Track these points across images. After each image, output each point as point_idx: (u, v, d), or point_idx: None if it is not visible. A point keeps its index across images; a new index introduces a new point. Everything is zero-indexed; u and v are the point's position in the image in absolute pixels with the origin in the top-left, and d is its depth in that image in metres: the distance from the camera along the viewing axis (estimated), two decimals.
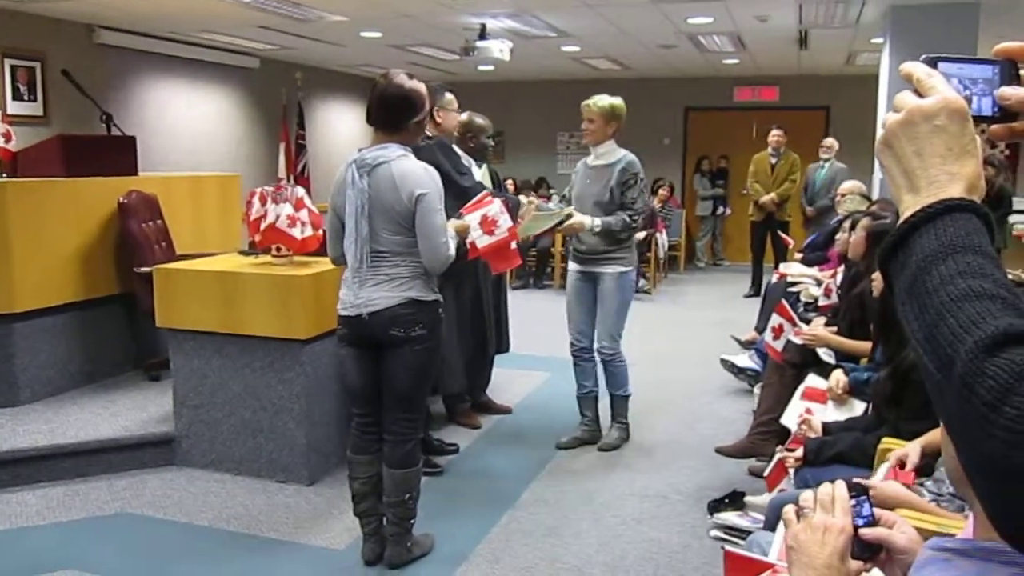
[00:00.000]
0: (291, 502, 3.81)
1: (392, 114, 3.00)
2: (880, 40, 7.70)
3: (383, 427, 3.15)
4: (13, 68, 7.07)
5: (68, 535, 3.50)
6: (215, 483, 4.00)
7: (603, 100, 4.31)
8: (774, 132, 9.04)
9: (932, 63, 0.86)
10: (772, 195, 8.84)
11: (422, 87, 3.05)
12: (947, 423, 0.72)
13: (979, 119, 0.87)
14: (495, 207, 3.53)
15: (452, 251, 3.04)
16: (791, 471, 3.18)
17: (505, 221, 3.53)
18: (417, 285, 3.01)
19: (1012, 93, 0.86)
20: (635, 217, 4.28)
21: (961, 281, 0.72)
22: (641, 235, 9.82)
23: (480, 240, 3.51)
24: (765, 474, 3.17)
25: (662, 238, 10.31)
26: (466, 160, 4.63)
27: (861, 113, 9.26)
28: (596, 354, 4.46)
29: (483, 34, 7.60)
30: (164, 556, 3.34)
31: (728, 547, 1.79)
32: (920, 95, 0.84)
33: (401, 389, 3.06)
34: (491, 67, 10.72)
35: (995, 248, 0.78)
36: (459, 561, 3.28)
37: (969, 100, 0.86)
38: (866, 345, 3.52)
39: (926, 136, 0.81)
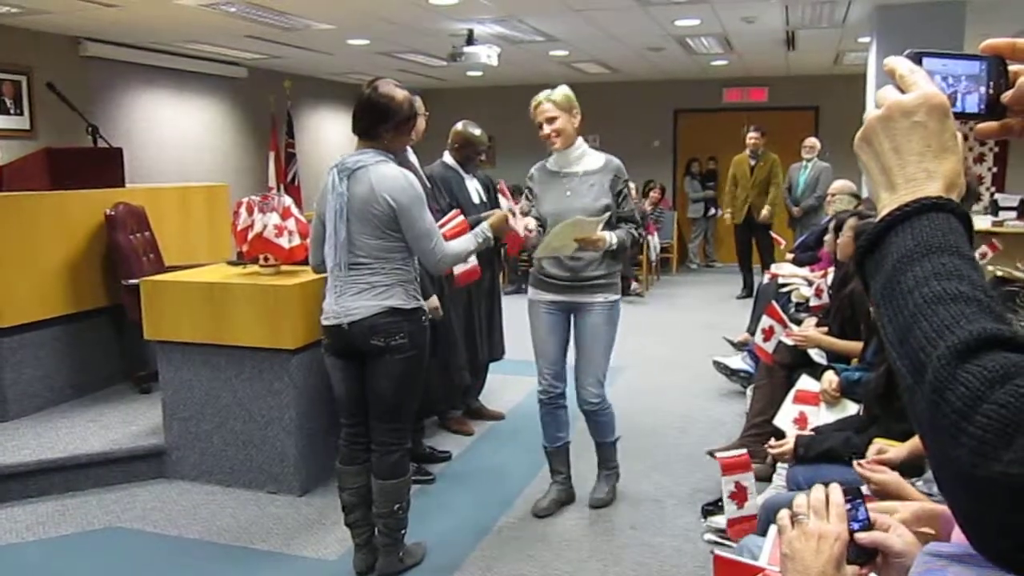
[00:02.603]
0: (282, 513, 3.78)
1: (365, 121, 3.01)
2: (867, 39, 7.72)
3: (371, 438, 3.14)
4: None
5: (58, 551, 3.46)
6: (206, 495, 3.97)
7: (558, 92, 3.59)
8: (751, 134, 8.95)
9: (916, 58, 0.84)
10: (767, 209, 8.83)
11: (396, 93, 3.01)
12: (919, 430, 0.70)
13: (964, 116, 0.85)
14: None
15: (456, 249, 3.07)
16: (782, 469, 3.18)
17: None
18: (397, 293, 2.99)
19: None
20: (640, 231, 3.71)
21: (936, 283, 0.70)
22: (729, 211, 9.84)
23: (456, 268, 3.71)
24: (725, 497, 3.08)
25: (654, 240, 10.31)
26: (458, 171, 4.61)
27: (850, 113, 9.24)
28: (583, 408, 3.71)
29: (470, 40, 7.59)
30: (154, 570, 3.31)
31: (718, 551, 1.78)
32: (902, 91, 0.82)
33: (385, 399, 3.03)
34: (480, 72, 10.73)
35: None
36: (451, 570, 3.26)
37: (954, 97, 0.84)
38: (857, 345, 3.52)
39: (905, 132, 0.79)
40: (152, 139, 8.83)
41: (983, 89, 0.85)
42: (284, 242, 3.98)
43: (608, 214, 3.47)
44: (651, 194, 11.14)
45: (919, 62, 0.83)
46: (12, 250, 4.45)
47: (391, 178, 2.93)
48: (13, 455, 4.03)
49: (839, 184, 6.20)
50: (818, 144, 8.83)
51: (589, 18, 7.21)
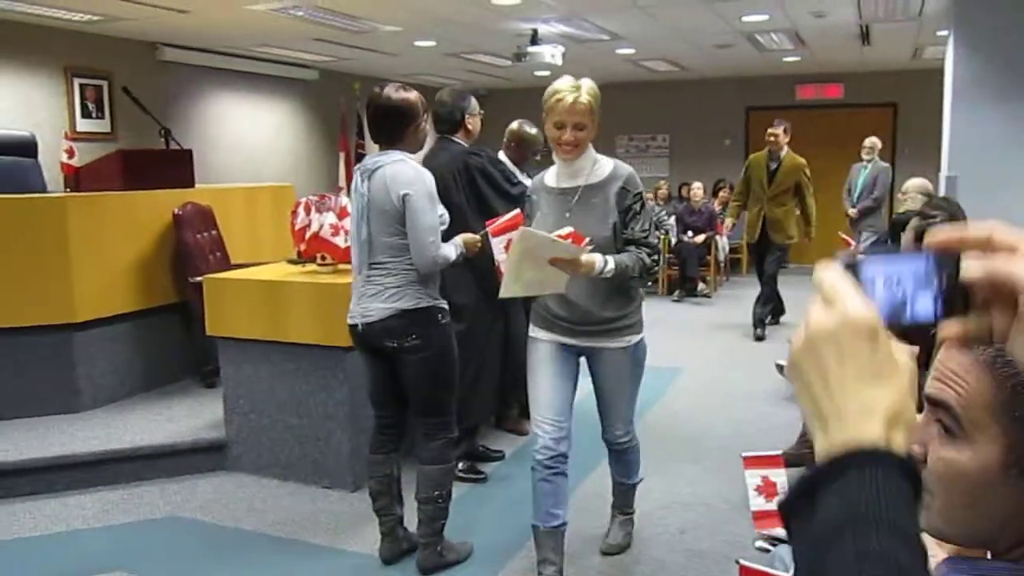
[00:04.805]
0: (335, 508, 3.85)
1: (385, 127, 3.08)
2: (945, 33, 7.44)
3: (408, 426, 3.27)
4: (82, 87, 7.36)
5: (120, 538, 3.60)
6: (262, 488, 4.07)
7: (587, 86, 2.94)
8: (772, 130, 7.17)
9: (853, 266, 0.71)
10: (808, 230, 7.14)
11: (412, 96, 3.09)
12: None
13: (921, 326, 0.72)
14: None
15: (445, 253, 3.04)
16: None
17: None
18: (408, 294, 3.02)
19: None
20: (654, 257, 2.95)
21: (856, 567, 0.60)
22: (700, 238, 9.69)
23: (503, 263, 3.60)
24: (751, 491, 3.03)
25: (722, 241, 10.14)
26: (512, 169, 4.61)
27: (931, 109, 8.94)
28: (607, 444, 3.25)
29: (535, 39, 7.60)
30: (208, 560, 3.41)
31: (743, 561, 1.74)
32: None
33: (417, 395, 3.13)
34: (547, 72, 10.72)
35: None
36: (496, 569, 3.27)
37: (905, 304, 0.72)
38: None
39: (832, 360, 0.67)
40: (225, 140, 9.10)
41: (934, 289, 0.72)
42: (340, 241, 4.05)
43: (588, 240, 2.75)
44: (720, 194, 10.97)
45: (857, 270, 0.71)
46: (87, 248, 4.64)
47: (403, 175, 3.00)
48: (84, 445, 4.20)
49: (913, 182, 5.97)
50: (879, 144, 8.47)
51: (654, 15, 7.13)
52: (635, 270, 2.86)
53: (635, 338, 3.02)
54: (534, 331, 3.08)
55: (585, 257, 2.72)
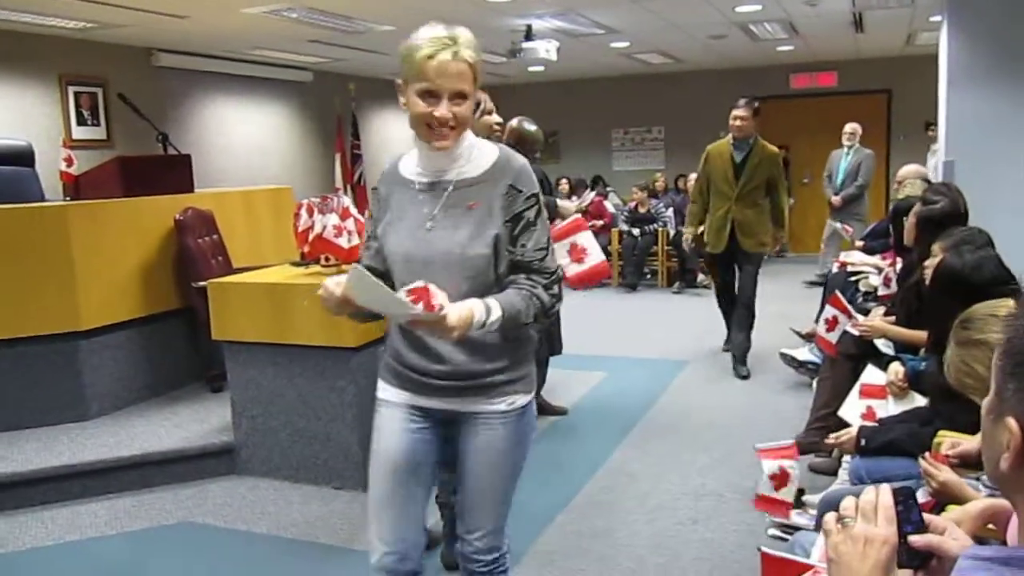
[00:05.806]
0: (347, 508, 3.86)
1: None
2: (939, 18, 7.45)
3: None
4: (77, 95, 7.35)
5: (134, 545, 3.60)
6: (274, 491, 4.08)
7: (465, 37, 1.95)
8: (736, 111, 5.62)
9: None
10: (780, 235, 5.97)
11: None
12: None
13: None
14: (586, 236, 3.34)
15: None
16: (847, 464, 3.10)
17: (596, 253, 3.39)
18: None
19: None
20: (553, 288, 2.03)
21: None
22: (700, 229, 9.66)
23: (569, 268, 3.43)
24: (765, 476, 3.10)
25: None
26: None
27: (925, 95, 8.96)
28: (462, 562, 2.25)
29: (529, 35, 7.62)
30: (223, 564, 3.42)
31: (765, 548, 1.75)
32: None
33: None
34: (542, 67, 10.73)
35: None
36: (512, 562, 3.27)
37: None
38: (924, 334, 3.41)
39: None
40: (222, 144, 9.10)
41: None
42: (343, 242, 4.05)
43: (440, 308, 1.80)
44: None
45: None
46: (89, 256, 4.63)
47: None
48: (94, 453, 4.20)
49: (908, 169, 6.00)
50: (859, 129, 8.46)
51: (648, 8, 7.14)
52: (529, 314, 1.97)
53: (520, 399, 2.09)
54: (380, 387, 2.17)
55: (455, 317, 1.81)
